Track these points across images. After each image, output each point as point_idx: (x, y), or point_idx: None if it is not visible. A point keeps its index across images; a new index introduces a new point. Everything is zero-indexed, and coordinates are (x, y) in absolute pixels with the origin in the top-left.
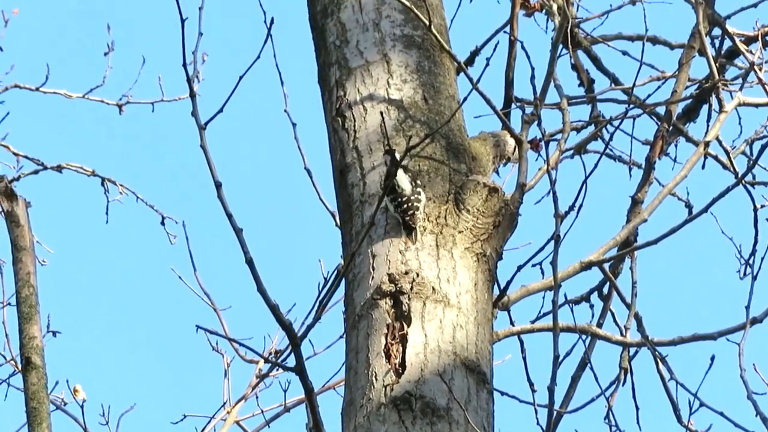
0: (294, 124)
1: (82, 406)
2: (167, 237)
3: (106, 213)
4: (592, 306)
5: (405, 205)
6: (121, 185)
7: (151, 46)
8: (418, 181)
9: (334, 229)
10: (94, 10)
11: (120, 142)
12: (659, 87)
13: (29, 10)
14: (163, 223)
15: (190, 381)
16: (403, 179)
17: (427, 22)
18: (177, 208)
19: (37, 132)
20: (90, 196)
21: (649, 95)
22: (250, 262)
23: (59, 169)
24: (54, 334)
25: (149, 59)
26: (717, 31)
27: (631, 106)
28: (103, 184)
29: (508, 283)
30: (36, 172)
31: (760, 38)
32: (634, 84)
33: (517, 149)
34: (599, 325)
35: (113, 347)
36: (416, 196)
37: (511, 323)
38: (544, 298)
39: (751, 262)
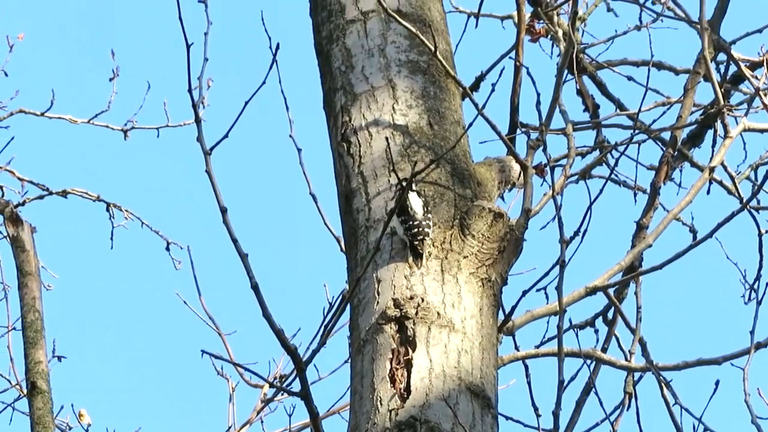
0: (299, 150)
1: (87, 431)
2: (172, 262)
3: (111, 238)
4: (596, 331)
5: (416, 230)
6: (126, 210)
7: (156, 72)
8: (430, 208)
9: (339, 255)
10: (100, 36)
11: (125, 167)
12: (664, 112)
13: (34, 36)
14: (168, 249)
15: (195, 405)
16: (416, 203)
17: (433, 48)
18: (182, 233)
19: (42, 157)
20: (95, 222)
21: (654, 120)
22: (255, 287)
23: (64, 194)
24: (59, 358)
25: (154, 85)
26: (722, 57)
27: (636, 131)
28: (108, 210)
29: (513, 308)
30: (41, 197)
31: (765, 63)
32: (639, 109)
33: (522, 174)
34: (604, 350)
35: (118, 372)
36: (427, 222)
37: (516, 348)
38: (548, 323)
39: (755, 287)
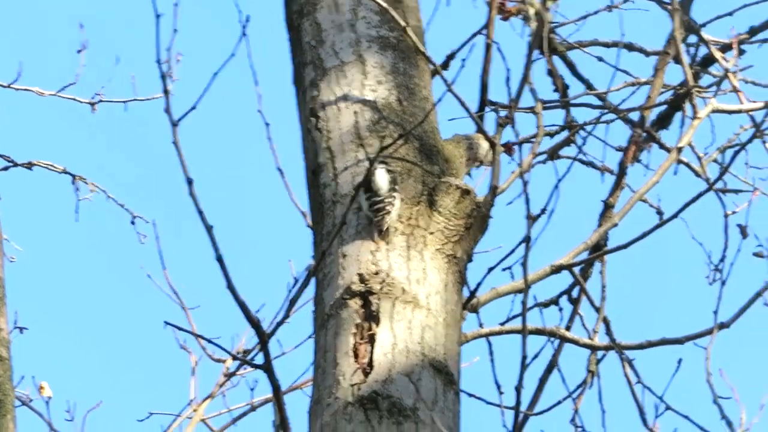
0: (267, 124)
1: (47, 403)
2: (137, 236)
3: (77, 211)
4: (561, 309)
5: (378, 206)
6: (92, 183)
7: (124, 45)
8: (398, 187)
9: (306, 229)
10: (68, 8)
11: (92, 140)
12: (633, 93)
13: (1, 7)
14: (133, 223)
15: (157, 379)
16: (382, 179)
17: (404, 24)
18: (148, 206)
19: (7, 129)
20: (60, 194)
21: (623, 101)
22: (219, 260)
23: (29, 166)
24: (21, 330)
25: (123, 58)
26: (693, 39)
27: (605, 111)
28: (73, 182)
29: (478, 285)
30: (6, 168)
31: (735, 46)
32: (608, 89)
33: (490, 152)
34: (568, 328)
35: (81, 345)
36: (390, 199)
37: (480, 325)
38: (513, 300)
39: (720, 267)
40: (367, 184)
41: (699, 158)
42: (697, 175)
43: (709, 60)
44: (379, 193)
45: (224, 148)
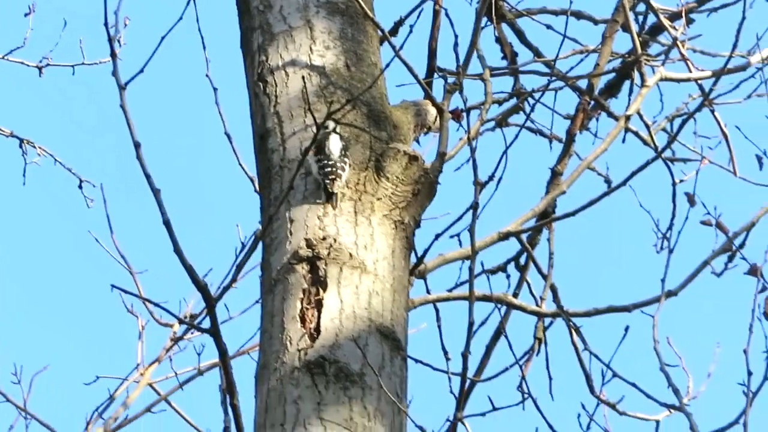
0: (215, 89)
1: None
2: (84, 200)
3: (24, 175)
4: (508, 276)
5: (329, 169)
6: (39, 147)
7: (72, 9)
8: (348, 152)
9: (253, 194)
10: None
11: (39, 104)
12: (582, 60)
13: None
14: (80, 187)
15: (104, 343)
16: (335, 144)
17: None
18: (95, 171)
19: None
20: (8, 158)
21: (571, 68)
22: (167, 224)
23: None
24: None
25: (70, 22)
26: (641, 7)
27: (553, 79)
28: (21, 146)
29: (426, 251)
30: None
31: (683, 14)
32: (556, 57)
33: (438, 118)
34: (515, 295)
35: (27, 308)
36: (342, 164)
37: (428, 291)
38: (460, 267)
39: (668, 236)
40: (317, 147)
41: (647, 126)
42: (646, 143)
43: (658, 28)
44: (331, 158)
45: (172, 112)
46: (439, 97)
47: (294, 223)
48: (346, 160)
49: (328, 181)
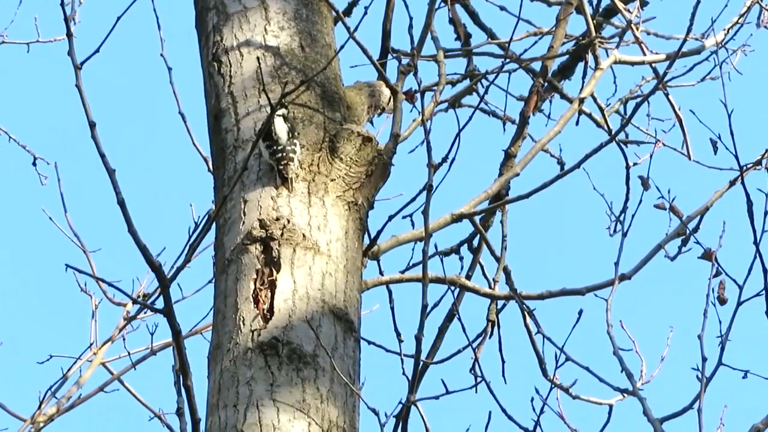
0: (170, 69)
1: None
2: (38, 177)
3: None
4: (461, 258)
5: (279, 154)
6: None
7: None
8: (297, 132)
9: (207, 174)
10: None
11: None
12: (536, 42)
13: None
14: (34, 164)
15: (57, 322)
16: (281, 128)
17: None
18: (50, 149)
19: None
20: None
21: (525, 50)
22: (121, 203)
23: None
24: None
25: None
26: None
27: (507, 60)
28: None
29: (379, 232)
30: None
31: None
32: (510, 39)
33: (392, 100)
34: (468, 278)
35: None
36: (292, 147)
37: (381, 273)
38: (413, 249)
39: (621, 218)
40: (266, 134)
41: (601, 109)
42: (599, 125)
43: (612, 11)
44: (279, 142)
45: (127, 91)
46: (393, 79)
47: (247, 204)
48: (295, 141)
49: (281, 167)
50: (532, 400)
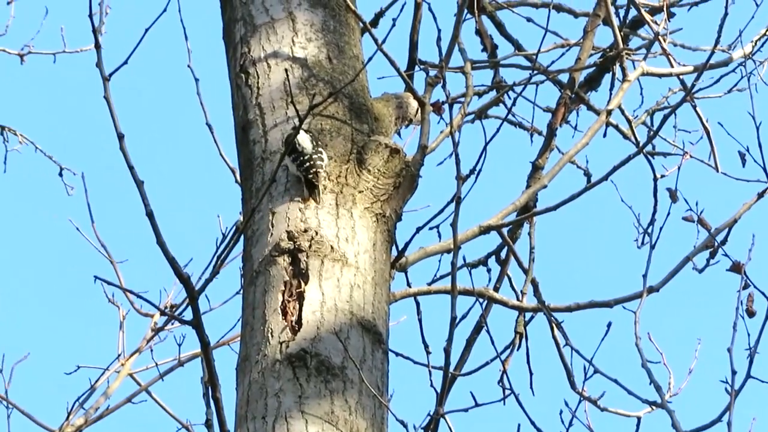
0: (197, 80)
1: None
2: (65, 188)
3: (5, 162)
4: (489, 270)
5: (307, 164)
6: (20, 135)
7: None
8: (320, 141)
9: (234, 186)
10: None
11: (21, 91)
12: (563, 54)
13: None
14: (61, 174)
15: (85, 333)
16: (304, 138)
17: None
18: (76, 160)
19: None
20: None
21: (552, 62)
22: (150, 215)
23: None
24: None
25: (52, 10)
26: (622, 0)
27: (534, 72)
28: (2, 133)
29: (407, 244)
30: None
31: (665, 9)
32: (538, 50)
33: (419, 111)
34: (496, 289)
35: (9, 297)
36: (318, 155)
37: (408, 285)
38: (440, 260)
39: (649, 231)
40: (291, 149)
41: (628, 121)
42: (627, 137)
43: (639, 22)
44: (305, 152)
45: (154, 103)
46: (421, 90)
47: (275, 215)
48: (320, 150)
49: (311, 176)
50: (561, 412)
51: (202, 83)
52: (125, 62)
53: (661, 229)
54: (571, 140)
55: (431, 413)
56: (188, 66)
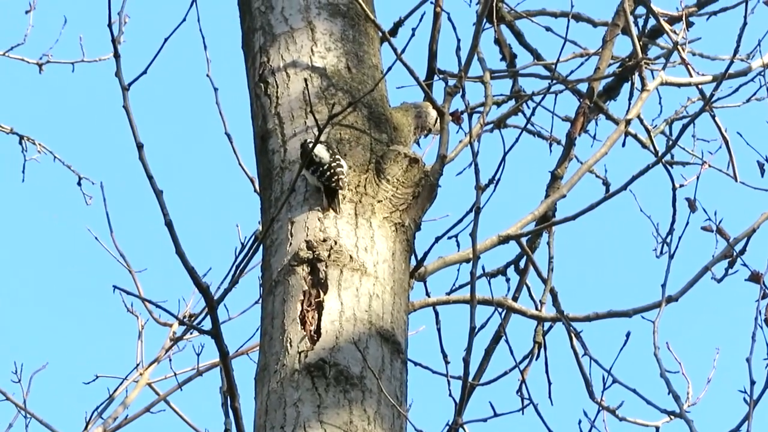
0: (216, 89)
1: None
2: (83, 197)
3: (23, 171)
4: (508, 279)
5: (328, 173)
6: (39, 144)
7: (72, 7)
8: (338, 150)
9: (253, 195)
10: None
11: (39, 100)
12: (582, 64)
13: None
14: (79, 184)
15: (104, 342)
16: (320, 149)
17: None
18: (94, 169)
19: None
20: (7, 154)
21: (571, 72)
22: (169, 224)
23: None
24: None
25: (70, 19)
26: (641, 10)
27: (553, 81)
28: (20, 142)
29: (426, 253)
30: None
31: (683, 18)
32: (557, 60)
33: (438, 121)
34: (515, 299)
35: (27, 306)
36: (337, 162)
37: (427, 294)
38: (459, 270)
39: (668, 240)
40: (308, 162)
41: (647, 130)
42: (645, 147)
43: (658, 32)
44: (322, 162)
45: (173, 112)
46: (440, 100)
47: (294, 225)
48: (338, 157)
49: (333, 183)
50: (580, 422)
51: (221, 92)
52: (144, 72)
53: (679, 238)
54: (590, 149)
55: (450, 423)
56: (207, 75)
